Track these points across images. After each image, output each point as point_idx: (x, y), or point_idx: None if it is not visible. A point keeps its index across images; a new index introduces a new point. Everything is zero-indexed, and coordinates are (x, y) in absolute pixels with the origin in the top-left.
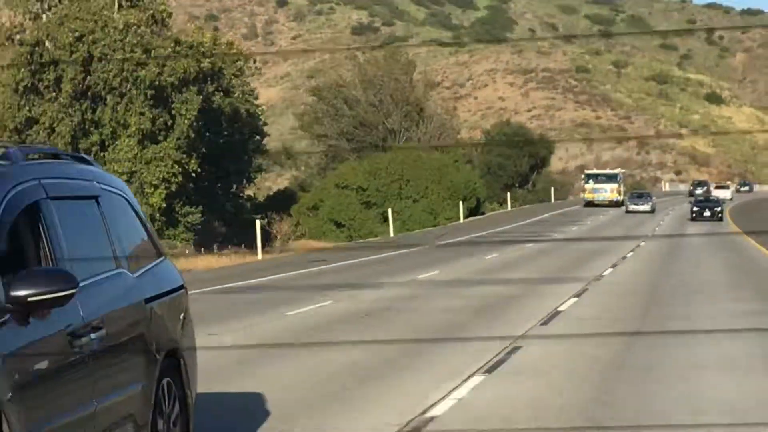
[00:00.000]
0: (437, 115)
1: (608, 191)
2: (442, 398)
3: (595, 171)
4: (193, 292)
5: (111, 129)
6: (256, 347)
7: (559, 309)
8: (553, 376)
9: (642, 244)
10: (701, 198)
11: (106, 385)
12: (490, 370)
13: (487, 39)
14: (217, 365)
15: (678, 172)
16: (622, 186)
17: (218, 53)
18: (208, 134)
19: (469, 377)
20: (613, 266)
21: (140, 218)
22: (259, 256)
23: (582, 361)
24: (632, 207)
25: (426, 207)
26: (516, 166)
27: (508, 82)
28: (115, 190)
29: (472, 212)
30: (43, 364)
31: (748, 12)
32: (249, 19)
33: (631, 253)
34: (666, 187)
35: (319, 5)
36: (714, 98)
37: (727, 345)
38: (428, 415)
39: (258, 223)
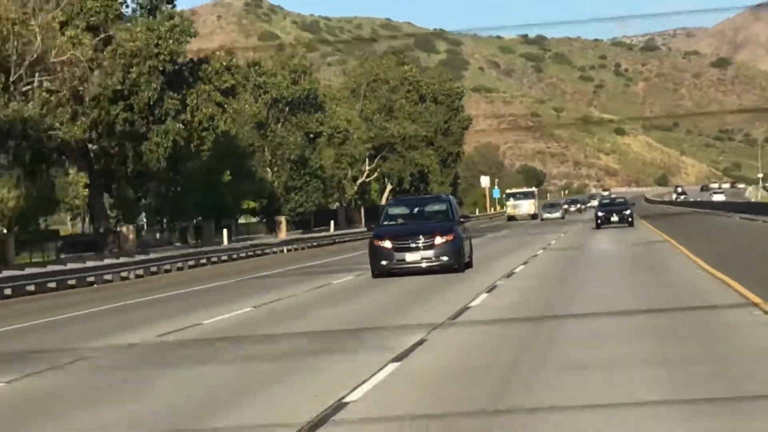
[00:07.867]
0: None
1: (526, 206)
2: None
3: (514, 190)
4: None
5: None
6: None
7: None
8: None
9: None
10: (606, 201)
11: (467, 242)
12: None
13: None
14: None
15: (599, 180)
16: (537, 201)
17: None
18: None
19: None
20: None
21: (457, 206)
22: None
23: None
24: (546, 215)
25: None
26: None
27: (487, 123)
28: (452, 200)
29: None
30: (464, 232)
31: (647, 48)
32: None
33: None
34: (592, 190)
35: None
36: (620, 131)
37: None
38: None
39: None
